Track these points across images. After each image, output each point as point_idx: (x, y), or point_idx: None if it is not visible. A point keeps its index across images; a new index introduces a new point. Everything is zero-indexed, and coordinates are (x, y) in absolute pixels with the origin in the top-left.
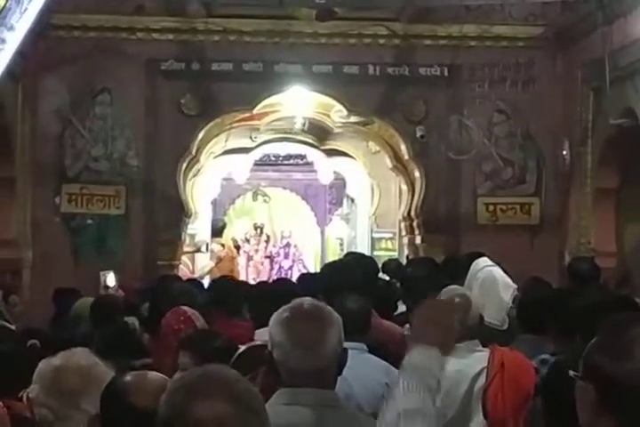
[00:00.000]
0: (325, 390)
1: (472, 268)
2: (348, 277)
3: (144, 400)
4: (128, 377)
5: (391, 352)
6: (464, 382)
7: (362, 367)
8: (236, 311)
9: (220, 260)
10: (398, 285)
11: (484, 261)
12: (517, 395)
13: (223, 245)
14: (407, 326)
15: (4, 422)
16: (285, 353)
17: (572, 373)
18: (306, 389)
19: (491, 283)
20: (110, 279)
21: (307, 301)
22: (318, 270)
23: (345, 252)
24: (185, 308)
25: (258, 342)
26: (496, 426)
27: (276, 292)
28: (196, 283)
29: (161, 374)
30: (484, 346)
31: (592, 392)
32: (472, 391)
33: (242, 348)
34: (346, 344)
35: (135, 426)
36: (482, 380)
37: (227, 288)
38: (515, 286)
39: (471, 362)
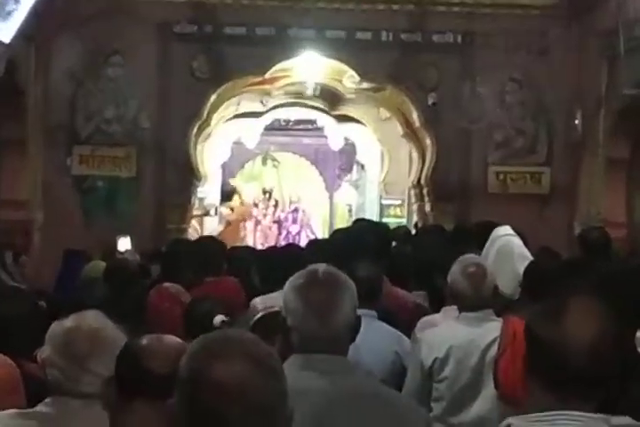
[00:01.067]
0: (338, 357)
1: (492, 235)
2: (359, 243)
3: (160, 364)
4: (144, 341)
5: (402, 320)
6: (476, 352)
7: (372, 334)
8: (219, 271)
9: (228, 224)
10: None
11: (504, 230)
12: None
13: (232, 209)
14: (418, 292)
15: (17, 381)
16: (299, 319)
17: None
18: (319, 355)
19: (507, 252)
20: (126, 243)
21: (322, 267)
22: (326, 236)
23: (353, 218)
24: (168, 285)
25: (275, 308)
26: (507, 397)
27: (286, 257)
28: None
29: (177, 338)
30: (497, 316)
31: (528, 351)
32: (484, 361)
33: (259, 314)
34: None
35: (151, 390)
36: (494, 350)
37: (208, 249)
38: (532, 258)
39: (484, 332)
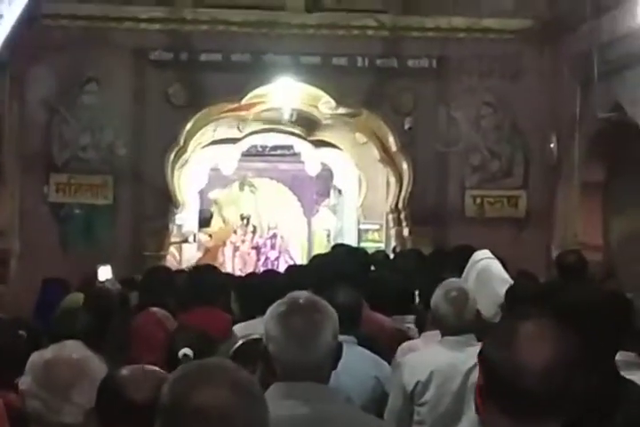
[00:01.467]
0: (320, 385)
1: (471, 259)
2: (338, 269)
3: (142, 395)
4: (125, 371)
5: (381, 345)
6: (458, 377)
7: (351, 360)
8: (212, 300)
9: (207, 251)
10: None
11: (483, 254)
12: None
13: (210, 236)
14: (407, 317)
15: (1, 413)
16: (280, 347)
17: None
18: (300, 383)
19: (487, 275)
20: (106, 272)
21: (303, 295)
22: (305, 262)
23: (332, 243)
24: (155, 309)
25: (255, 336)
26: None
27: (265, 284)
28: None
29: (157, 369)
30: (479, 340)
31: (482, 377)
32: (466, 386)
33: (239, 342)
34: None
35: (133, 420)
36: (475, 375)
37: (204, 277)
38: (511, 281)
39: (466, 356)
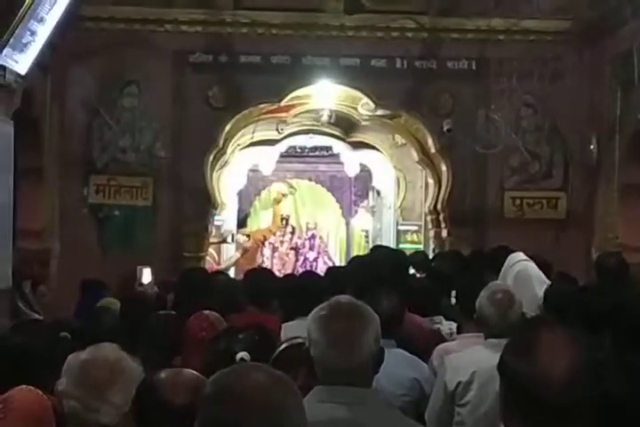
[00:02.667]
0: (361, 389)
1: (507, 261)
2: (377, 272)
3: (179, 397)
4: (163, 374)
5: (419, 346)
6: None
7: (390, 362)
8: (266, 305)
9: (245, 251)
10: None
11: (519, 256)
12: None
13: (249, 236)
14: (435, 318)
15: (49, 415)
16: (322, 351)
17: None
18: (342, 387)
19: (525, 276)
20: (146, 275)
21: (344, 298)
22: (343, 262)
23: (370, 244)
24: (207, 312)
25: (299, 340)
26: None
27: (305, 286)
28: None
29: (195, 372)
30: None
31: (502, 386)
32: None
33: (282, 346)
34: None
35: (169, 423)
36: None
37: (259, 281)
38: (548, 281)
39: None
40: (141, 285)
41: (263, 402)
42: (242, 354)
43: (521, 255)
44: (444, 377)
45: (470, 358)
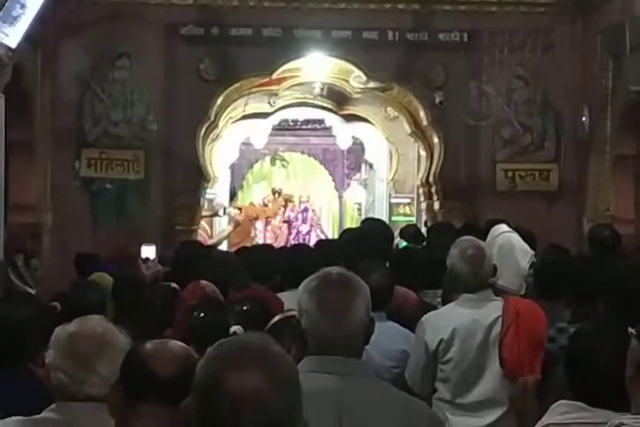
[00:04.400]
0: (352, 359)
1: (490, 233)
2: (369, 244)
3: (165, 368)
4: (149, 345)
5: (407, 317)
6: (479, 332)
7: (380, 334)
8: (269, 281)
9: (237, 224)
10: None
11: (502, 228)
12: (532, 343)
13: (240, 209)
14: (426, 291)
15: None
16: (313, 321)
17: (630, 330)
18: (332, 357)
19: (509, 248)
20: (150, 252)
21: (335, 269)
22: (337, 236)
23: (363, 217)
24: (204, 282)
25: (292, 313)
26: (512, 374)
27: (297, 260)
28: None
29: (181, 343)
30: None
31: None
32: (488, 340)
33: (275, 318)
34: None
35: (157, 394)
36: (497, 329)
37: (260, 258)
38: (532, 252)
39: (486, 311)
40: (146, 262)
41: (254, 403)
42: (235, 328)
43: (504, 227)
44: (423, 336)
45: (448, 316)
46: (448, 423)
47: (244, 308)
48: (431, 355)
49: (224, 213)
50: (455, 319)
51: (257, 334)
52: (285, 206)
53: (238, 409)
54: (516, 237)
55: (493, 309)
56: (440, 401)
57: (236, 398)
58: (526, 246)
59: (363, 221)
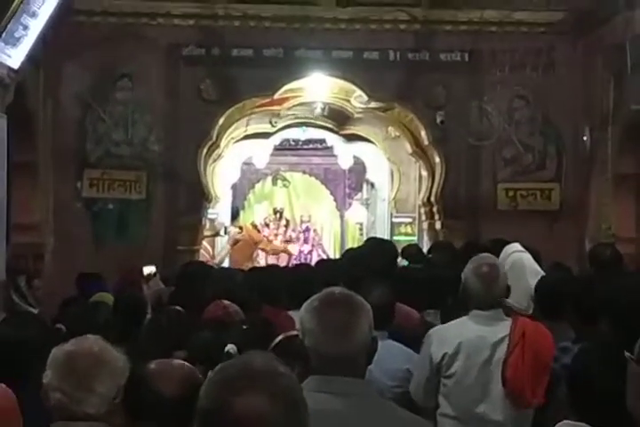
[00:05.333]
0: (355, 379)
1: (503, 252)
2: (370, 264)
3: (169, 387)
4: (153, 365)
5: (408, 336)
6: (485, 349)
7: (383, 354)
8: (277, 301)
9: (235, 242)
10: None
11: (514, 247)
12: (537, 365)
13: (241, 228)
14: (429, 311)
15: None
16: (316, 340)
17: (627, 354)
18: (336, 377)
19: (519, 268)
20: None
21: (337, 289)
22: (338, 256)
23: (365, 236)
24: (226, 302)
25: (294, 332)
26: (514, 394)
27: (298, 279)
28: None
29: (186, 363)
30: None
31: None
32: (492, 359)
33: (278, 338)
34: None
35: (159, 413)
36: (503, 348)
37: (266, 279)
38: (543, 273)
39: (494, 329)
40: (148, 281)
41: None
42: (229, 347)
43: (517, 246)
44: (429, 349)
45: (456, 330)
46: None
47: (245, 327)
48: (435, 368)
49: (225, 233)
50: (463, 334)
51: (260, 354)
52: (287, 226)
53: None
54: (527, 256)
55: (502, 328)
56: (444, 417)
57: (241, 423)
58: (537, 267)
59: (366, 241)
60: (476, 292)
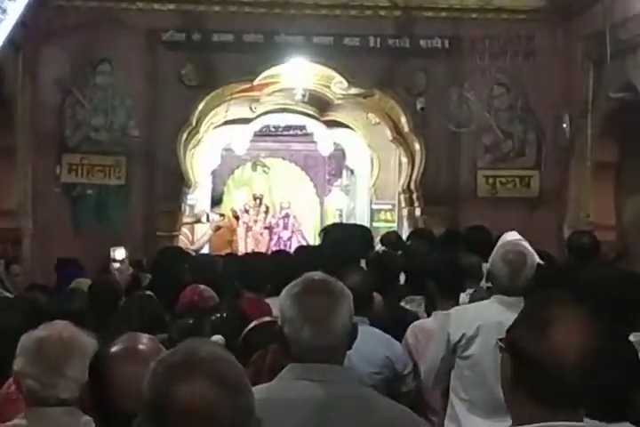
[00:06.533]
0: (335, 366)
1: (501, 240)
2: (349, 249)
3: (134, 366)
4: (115, 345)
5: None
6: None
7: (363, 340)
8: (260, 288)
9: (217, 228)
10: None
11: (513, 235)
12: None
13: (223, 215)
14: (413, 297)
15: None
16: (296, 328)
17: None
18: (316, 364)
19: None
20: (120, 255)
21: (317, 275)
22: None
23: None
24: (202, 286)
25: (267, 318)
26: None
27: (276, 265)
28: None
29: (152, 339)
30: None
31: (509, 364)
32: None
33: (251, 324)
34: None
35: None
36: None
37: (249, 266)
38: (540, 261)
39: (513, 316)
40: (116, 261)
41: (204, 415)
42: (216, 338)
43: (515, 234)
44: (447, 328)
45: (476, 312)
46: (460, 423)
47: (219, 315)
48: (451, 348)
49: (207, 220)
50: (483, 316)
51: (202, 341)
52: (267, 212)
53: (190, 421)
54: (525, 244)
55: None
56: (458, 399)
57: (186, 410)
58: (536, 257)
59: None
60: (500, 277)
